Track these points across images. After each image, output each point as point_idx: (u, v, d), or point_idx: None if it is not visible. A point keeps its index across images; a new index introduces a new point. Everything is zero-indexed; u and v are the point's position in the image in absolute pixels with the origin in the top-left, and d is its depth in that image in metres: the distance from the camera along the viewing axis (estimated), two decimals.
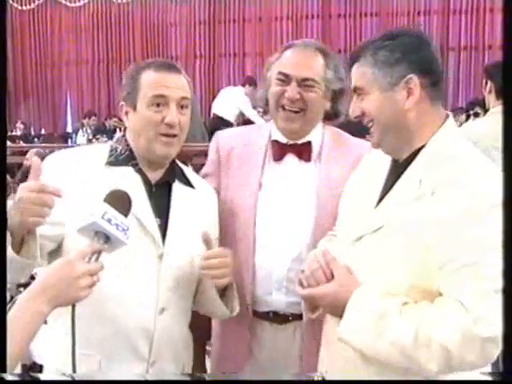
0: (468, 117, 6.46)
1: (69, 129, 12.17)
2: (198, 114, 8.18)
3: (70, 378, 1.46)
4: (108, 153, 1.79)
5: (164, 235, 1.75)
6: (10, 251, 1.43)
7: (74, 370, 1.38)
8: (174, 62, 1.86)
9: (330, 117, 2.01)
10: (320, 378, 1.58)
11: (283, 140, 1.97)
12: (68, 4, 12.48)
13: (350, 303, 1.45)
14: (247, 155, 2.00)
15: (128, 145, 1.80)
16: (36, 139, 11.17)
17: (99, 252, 1.37)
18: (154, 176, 1.80)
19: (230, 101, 8.74)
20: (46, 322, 1.77)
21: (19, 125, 11.68)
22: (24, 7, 12.61)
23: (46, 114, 12.87)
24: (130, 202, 1.46)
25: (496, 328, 1.31)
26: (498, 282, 1.31)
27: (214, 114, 8.90)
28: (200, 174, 2.09)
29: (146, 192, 1.76)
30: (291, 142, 1.96)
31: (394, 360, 1.42)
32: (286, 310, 1.93)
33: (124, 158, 1.78)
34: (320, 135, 1.98)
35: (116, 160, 1.77)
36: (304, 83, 1.89)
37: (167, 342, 1.77)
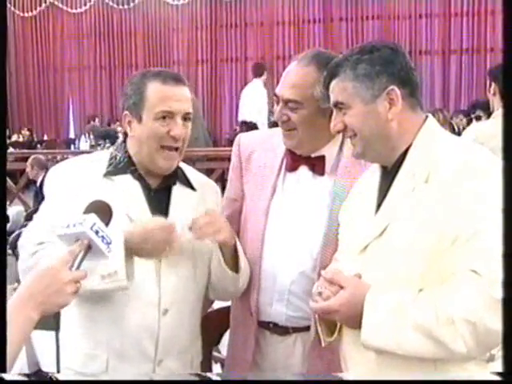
0: (470, 120, 6.45)
1: (71, 135, 12.20)
2: (200, 118, 8.17)
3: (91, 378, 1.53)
4: (107, 162, 1.81)
5: None
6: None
7: (58, 370, 1.42)
8: (179, 74, 1.84)
9: None
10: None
11: (297, 151, 1.91)
12: (70, 10, 12.54)
13: (367, 304, 1.45)
14: (265, 160, 1.96)
15: (127, 151, 1.81)
16: (39, 145, 11.18)
17: (81, 259, 1.39)
18: (154, 182, 1.82)
19: (250, 99, 8.16)
20: (58, 329, 1.80)
21: (25, 132, 11.71)
22: (26, 14, 12.67)
23: (48, 120, 12.93)
24: (111, 212, 1.50)
25: None
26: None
27: (241, 122, 8.34)
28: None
29: (145, 197, 1.78)
30: (305, 155, 1.91)
31: (422, 349, 1.41)
32: (286, 323, 1.89)
33: (123, 165, 1.79)
34: (337, 149, 1.90)
35: (115, 169, 1.79)
36: (288, 104, 1.83)
37: (173, 341, 1.79)
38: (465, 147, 1.55)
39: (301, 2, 11.65)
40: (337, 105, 1.57)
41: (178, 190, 1.84)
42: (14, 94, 12.55)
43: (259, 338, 1.94)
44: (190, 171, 1.93)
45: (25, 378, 1.28)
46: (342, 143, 1.90)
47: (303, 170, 1.91)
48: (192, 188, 1.87)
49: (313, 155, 1.90)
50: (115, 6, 12.39)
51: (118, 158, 1.81)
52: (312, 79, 1.79)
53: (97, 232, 1.39)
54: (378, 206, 1.57)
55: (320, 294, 1.54)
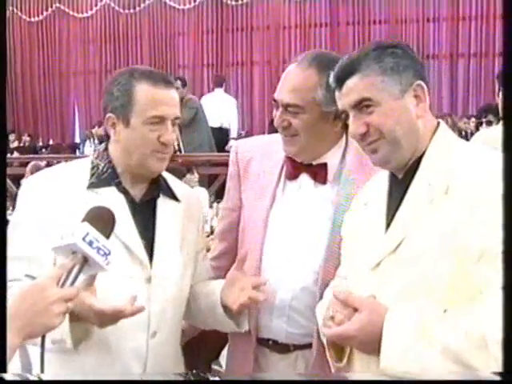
0: (479, 124, 6.35)
1: (77, 139, 12.18)
2: (206, 123, 8.11)
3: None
4: (89, 171, 1.69)
5: (151, 256, 1.69)
6: None
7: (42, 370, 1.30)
8: (168, 74, 1.74)
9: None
10: None
11: (298, 158, 1.82)
12: (76, 15, 12.52)
13: (386, 328, 1.34)
14: (264, 168, 1.87)
15: (110, 161, 1.70)
16: (44, 150, 11.17)
17: (76, 274, 1.26)
18: (138, 193, 1.73)
19: (216, 107, 8.54)
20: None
21: (26, 138, 11.70)
22: (32, 19, 12.66)
23: (54, 124, 12.89)
24: (113, 220, 1.37)
25: None
26: None
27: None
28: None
29: (131, 212, 1.69)
30: (306, 162, 1.81)
31: (448, 375, 1.28)
32: (286, 341, 1.81)
33: (106, 176, 1.69)
34: (340, 156, 1.81)
35: (98, 181, 1.68)
36: (288, 109, 1.74)
37: (160, 363, 1.72)
38: (487, 156, 1.42)
39: (307, 6, 11.58)
40: (360, 103, 1.42)
41: (162, 203, 1.75)
42: (19, 99, 12.54)
43: (259, 355, 1.86)
44: (173, 181, 1.83)
45: (25, 378, 1.22)
46: (345, 150, 1.82)
47: (304, 179, 1.82)
48: (176, 199, 1.78)
49: (314, 163, 1.81)
50: (121, 10, 12.36)
51: (100, 167, 1.69)
52: (313, 82, 1.70)
53: (91, 243, 1.26)
54: (390, 218, 1.45)
55: (332, 318, 1.41)
